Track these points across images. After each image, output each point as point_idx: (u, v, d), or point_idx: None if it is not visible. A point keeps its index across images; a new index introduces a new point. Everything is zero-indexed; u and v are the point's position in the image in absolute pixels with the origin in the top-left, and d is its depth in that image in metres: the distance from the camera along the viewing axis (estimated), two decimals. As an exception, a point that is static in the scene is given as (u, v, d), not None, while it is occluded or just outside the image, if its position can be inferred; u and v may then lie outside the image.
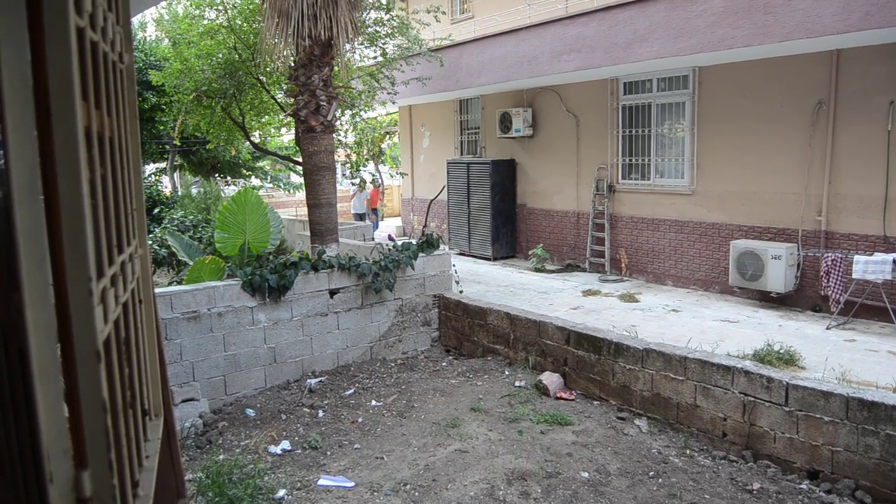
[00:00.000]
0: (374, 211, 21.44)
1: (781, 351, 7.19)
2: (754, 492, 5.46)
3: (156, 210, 18.36)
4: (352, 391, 7.89)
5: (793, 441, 5.80)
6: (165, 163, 25.53)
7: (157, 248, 12.94)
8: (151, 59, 19.28)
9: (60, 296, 1.11)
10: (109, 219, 1.55)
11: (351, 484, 5.66)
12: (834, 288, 8.73)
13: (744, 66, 10.11)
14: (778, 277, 9.32)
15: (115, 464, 1.25)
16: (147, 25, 23.76)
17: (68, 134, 1.09)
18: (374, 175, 26.17)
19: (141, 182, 2.20)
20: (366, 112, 15.49)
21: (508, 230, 14.76)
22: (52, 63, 1.06)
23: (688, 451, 6.24)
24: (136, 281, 2.00)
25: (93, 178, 1.40)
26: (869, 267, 8.17)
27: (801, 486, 5.57)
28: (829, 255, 8.87)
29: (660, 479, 5.66)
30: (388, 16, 13.25)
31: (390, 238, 15.65)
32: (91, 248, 1.15)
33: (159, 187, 23.44)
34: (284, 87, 13.01)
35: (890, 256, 8.12)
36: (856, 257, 8.38)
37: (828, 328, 8.59)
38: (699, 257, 11.08)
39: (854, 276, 8.32)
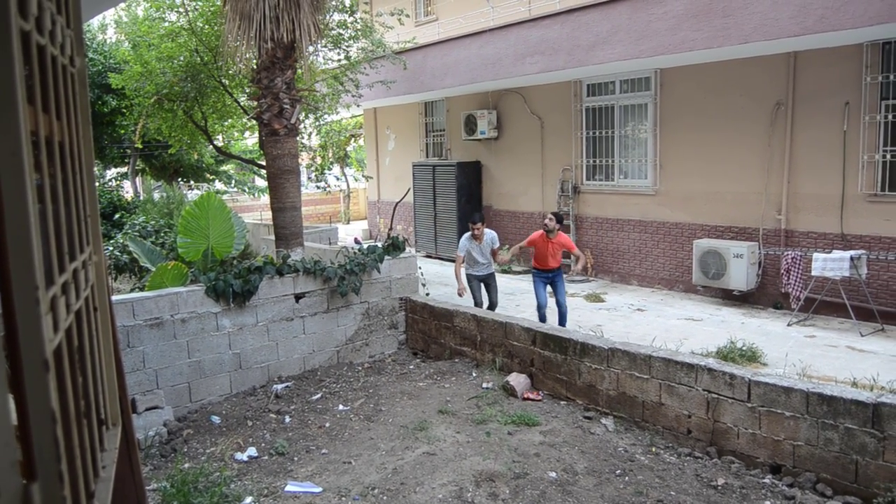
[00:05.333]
0: (548, 275, 9.33)
1: (744, 348, 7.31)
2: (719, 487, 5.54)
3: (117, 215, 18.03)
4: (319, 396, 7.83)
5: (755, 436, 5.89)
6: (127, 167, 25.08)
7: (118, 254, 12.70)
8: (111, 61, 18.92)
9: (6, 304, 1.09)
10: (60, 225, 1.52)
11: (318, 489, 5.62)
12: (794, 285, 8.91)
13: (704, 68, 10.27)
14: (740, 276, 9.47)
15: (66, 475, 1.22)
16: (107, 28, 23.34)
17: (12, 138, 1.06)
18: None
19: (94, 187, 2.16)
20: (330, 115, 15.42)
21: (475, 232, 14.76)
22: (-7, 67, 1.04)
23: (653, 449, 6.30)
24: (91, 288, 1.96)
25: (41, 184, 1.37)
26: (827, 264, 8.35)
27: (765, 480, 5.66)
28: (790, 253, 9.04)
29: (626, 478, 5.71)
30: (351, 18, 13.21)
31: (356, 241, 15.59)
32: (38, 256, 1.13)
33: (121, 192, 23.00)
34: (247, 90, 12.89)
35: (847, 254, 8.30)
36: (815, 255, 8.55)
37: (789, 325, 8.75)
38: (663, 257, 11.21)
39: (813, 273, 8.49)
